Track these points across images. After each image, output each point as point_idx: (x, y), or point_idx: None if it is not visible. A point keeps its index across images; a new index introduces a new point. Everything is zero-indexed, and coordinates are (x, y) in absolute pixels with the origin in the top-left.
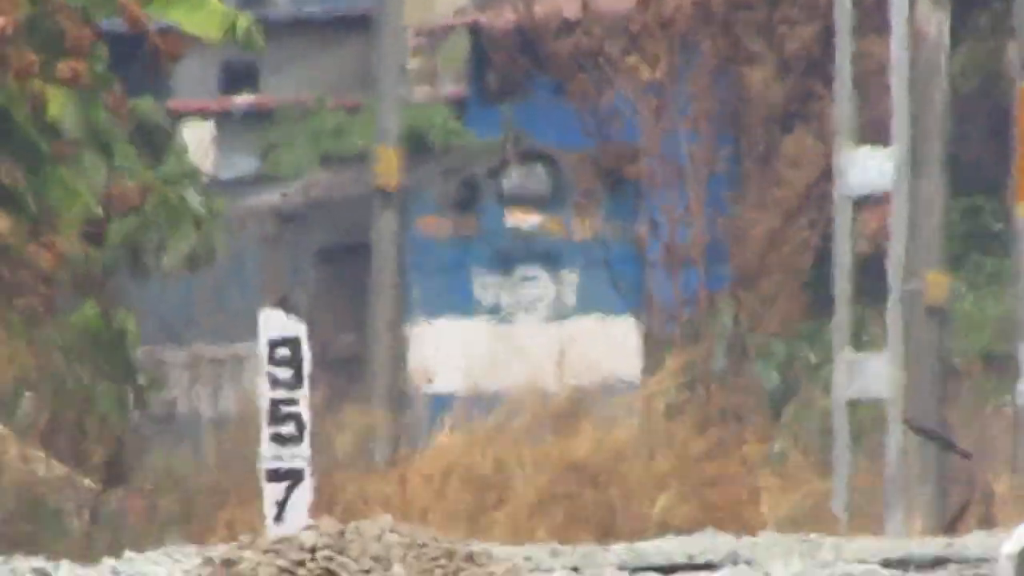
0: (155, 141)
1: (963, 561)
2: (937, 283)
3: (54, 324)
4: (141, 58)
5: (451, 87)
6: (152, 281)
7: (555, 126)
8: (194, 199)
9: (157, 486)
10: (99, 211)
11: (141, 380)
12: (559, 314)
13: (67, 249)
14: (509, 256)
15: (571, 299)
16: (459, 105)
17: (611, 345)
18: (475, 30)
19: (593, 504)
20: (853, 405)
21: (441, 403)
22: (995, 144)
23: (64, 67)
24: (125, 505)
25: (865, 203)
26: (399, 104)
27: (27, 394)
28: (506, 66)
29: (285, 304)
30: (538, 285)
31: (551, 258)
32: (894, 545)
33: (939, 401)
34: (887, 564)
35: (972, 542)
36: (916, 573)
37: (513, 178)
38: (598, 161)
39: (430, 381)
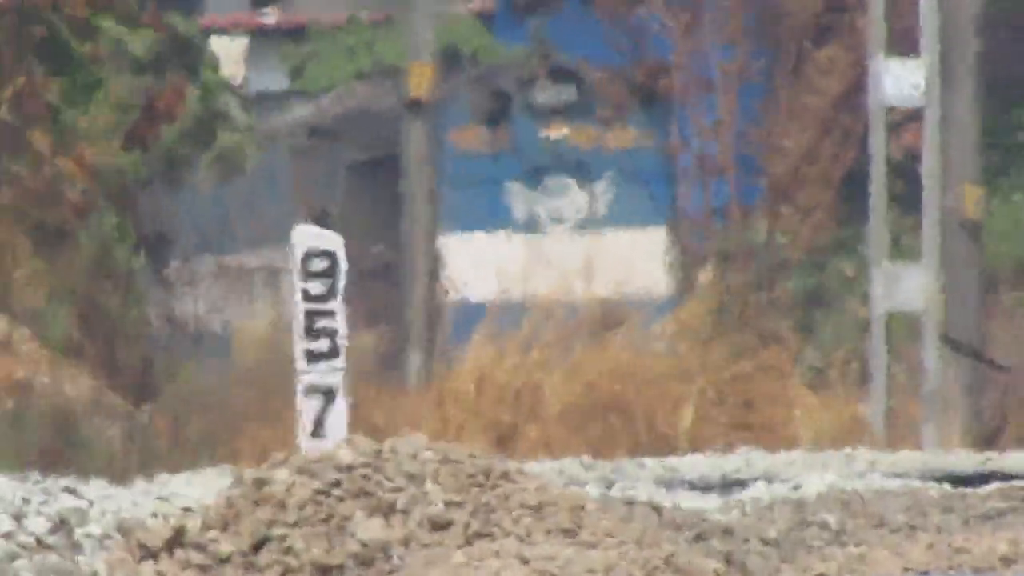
0: (188, 56)
1: (1004, 477)
2: (971, 195)
3: (86, 238)
4: None
5: (480, 2)
6: (186, 193)
7: (584, 41)
8: (233, 105)
9: (188, 404)
10: (135, 120)
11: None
12: (590, 226)
13: (99, 161)
14: (541, 168)
15: (602, 211)
16: (488, 19)
17: (642, 256)
18: None
19: (625, 419)
20: (890, 318)
21: (472, 315)
22: None
23: None
24: (155, 424)
25: (906, 119)
26: (431, 18)
27: (59, 312)
28: None
29: (321, 218)
30: (569, 197)
31: (582, 170)
32: (930, 459)
33: (978, 313)
34: (923, 478)
35: (1011, 458)
36: (952, 487)
37: (543, 91)
38: (628, 77)
39: (462, 293)
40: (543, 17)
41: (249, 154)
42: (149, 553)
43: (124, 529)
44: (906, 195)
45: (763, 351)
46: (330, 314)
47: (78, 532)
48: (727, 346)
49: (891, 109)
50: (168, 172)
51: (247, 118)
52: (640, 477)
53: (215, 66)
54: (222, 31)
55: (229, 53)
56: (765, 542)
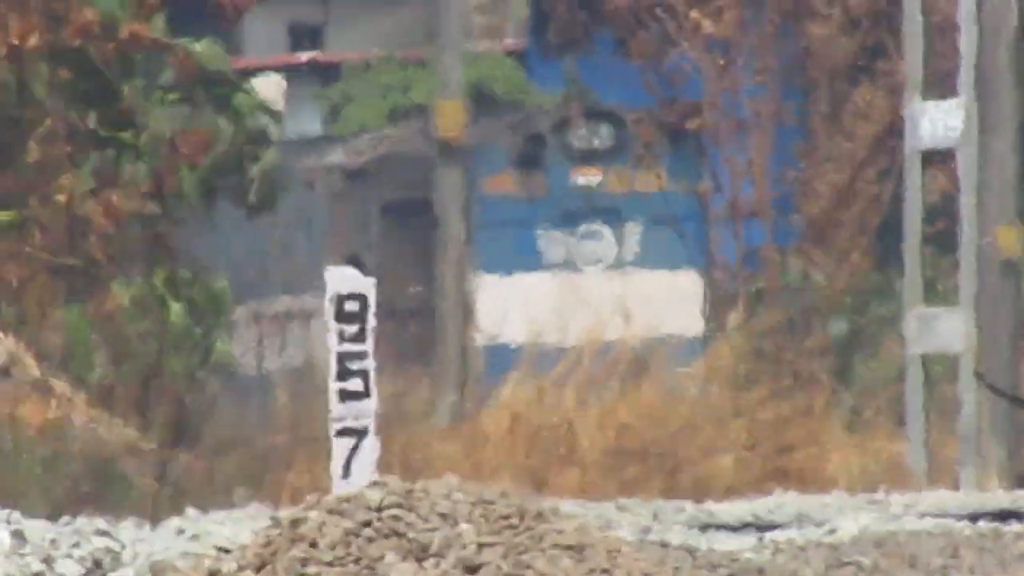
0: (221, 91)
1: None
2: (1009, 237)
3: (118, 285)
4: (208, 13)
5: (512, 41)
6: (220, 235)
7: (617, 82)
8: (271, 126)
9: (222, 446)
10: (161, 165)
11: (211, 342)
12: (623, 269)
13: (127, 207)
14: (574, 212)
15: (635, 254)
16: (520, 60)
17: (675, 300)
18: None
19: (659, 463)
20: (925, 360)
21: (505, 358)
22: None
23: (125, 30)
24: (190, 466)
25: (935, 157)
26: (462, 58)
27: (97, 358)
28: (566, 21)
29: (353, 260)
30: (602, 240)
31: (615, 213)
32: (966, 500)
33: (1015, 356)
34: (959, 518)
35: None
36: (988, 524)
37: (577, 135)
38: (660, 117)
39: (495, 336)
40: (574, 58)
41: (281, 189)
42: None
43: (156, 571)
44: (945, 236)
45: (799, 394)
46: (362, 356)
47: (110, 575)
48: (763, 389)
49: (929, 152)
50: (205, 203)
51: (279, 132)
52: (674, 520)
53: (248, 91)
54: (259, 72)
55: (267, 93)
56: None
